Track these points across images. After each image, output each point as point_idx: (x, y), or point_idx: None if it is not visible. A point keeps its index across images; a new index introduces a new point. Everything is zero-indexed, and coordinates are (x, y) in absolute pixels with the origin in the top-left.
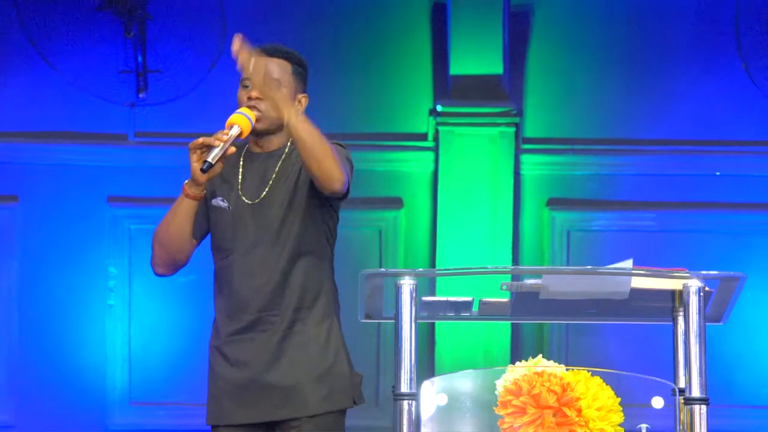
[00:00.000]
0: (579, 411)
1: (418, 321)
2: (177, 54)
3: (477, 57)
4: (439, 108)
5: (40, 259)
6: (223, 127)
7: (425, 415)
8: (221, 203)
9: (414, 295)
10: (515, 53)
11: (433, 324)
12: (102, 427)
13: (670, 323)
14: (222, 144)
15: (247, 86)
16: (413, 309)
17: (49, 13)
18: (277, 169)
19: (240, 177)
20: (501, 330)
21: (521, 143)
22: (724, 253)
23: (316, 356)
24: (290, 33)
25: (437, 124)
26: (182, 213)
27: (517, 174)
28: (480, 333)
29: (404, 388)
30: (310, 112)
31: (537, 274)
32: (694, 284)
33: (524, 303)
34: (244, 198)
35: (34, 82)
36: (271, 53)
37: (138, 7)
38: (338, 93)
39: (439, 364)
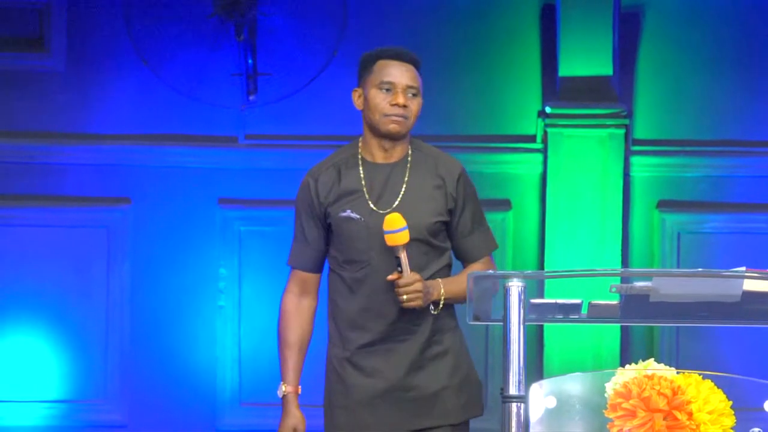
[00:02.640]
0: (690, 414)
1: (526, 323)
2: (289, 54)
3: (586, 58)
4: (547, 109)
5: (151, 261)
6: (330, 129)
7: (534, 417)
8: (352, 215)
9: (522, 297)
10: (625, 54)
11: (541, 326)
12: (212, 428)
13: None
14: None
15: (389, 90)
16: (522, 311)
17: (158, 24)
18: (406, 178)
19: (365, 187)
20: (610, 333)
21: (631, 145)
22: None
23: (455, 364)
24: (403, 34)
25: (546, 125)
26: None
27: (626, 176)
28: (589, 335)
29: (513, 390)
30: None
31: (647, 277)
32: None
33: (634, 305)
34: (376, 208)
35: (144, 86)
36: (409, 60)
37: (250, 8)
38: (447, 94)
39: (548, 366)
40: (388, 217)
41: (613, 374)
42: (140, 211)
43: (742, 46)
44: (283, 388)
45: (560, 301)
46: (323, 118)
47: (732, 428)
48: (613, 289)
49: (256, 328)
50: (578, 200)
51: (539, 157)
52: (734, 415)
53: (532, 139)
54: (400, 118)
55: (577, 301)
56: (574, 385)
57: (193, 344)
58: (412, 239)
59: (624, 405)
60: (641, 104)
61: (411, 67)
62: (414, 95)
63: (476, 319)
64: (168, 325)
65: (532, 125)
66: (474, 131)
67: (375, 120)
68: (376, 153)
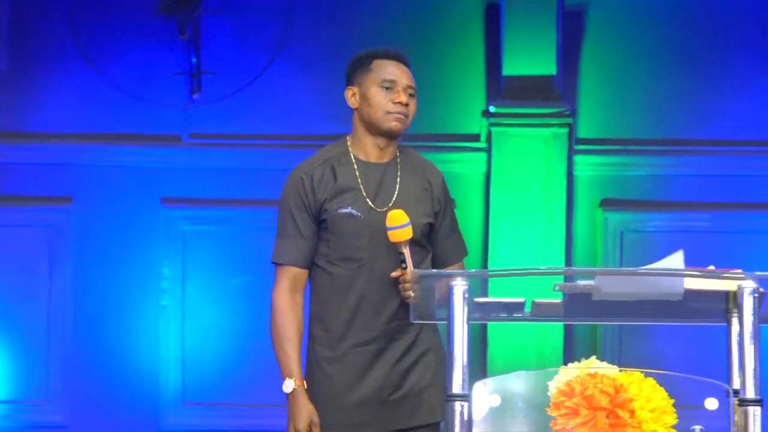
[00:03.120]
0: (632, 412)
1: (470, 322)
2: (233, 52)
3: (530, 57)
4: (492, 109)
5: (94, 260)
6: (270, 127)
7: (477, 416)
8: (354, 212)
9: (466, 296)
10: (569, 54)
11: (485, 325)
12: (155, 428)
13: (724, 324)
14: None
15: (389, 88)
16: (465, 310)
17: (102, 24)
18: (399, 178)
19: (362, 185)
20: (554, 331)
21: (574, 144)
22: None
23: (439, 361)
24: (348, 34)
25: (490, 124)
26: None
27: (570, 175)
28: (532, 334)
29: (456, 389)
30: None
31: (590, 276)
32: (749, 285)
33: (577, 304)
34: (374, 206)
35: (87, 85)
36: (404, 61)
37: (194, 7)
38: None
39: (492, 365)
40: (391, 214)
41: (556, 372)
42: (82, 211)
43: (685, 46)
44: (292, 383)
45: (504, 299)
46: (267, 116)
47: (673, 426)
48: (557, 288)
49: (200, 328)
50: (522, 199)
51: (483, 156)
52: (676, 412)
53: (476, 138)
54: (401, 116)
55: (521, 299)
56: (518, 383)
57: (136, 344)
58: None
59: (567, 403)
60: (584, 103)
61: (407, 68)
62: (411, 95)
63: (420, 318)
64: (111, 325)
65: (476, 124)
66: (418, 130)
67: (376, 117)
68: (370, 152)
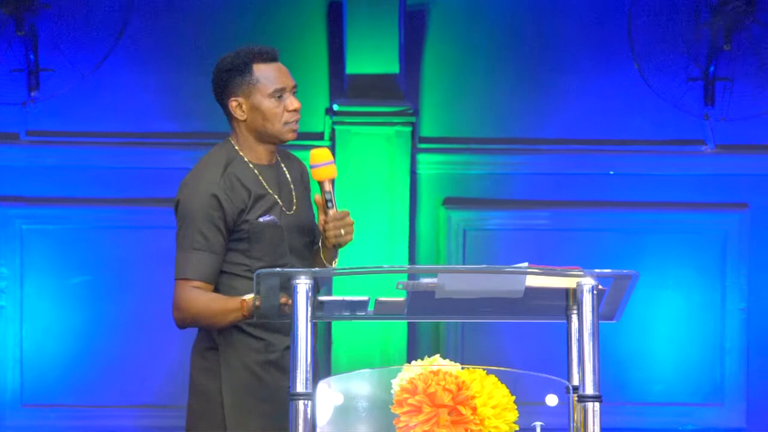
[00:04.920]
0: (474, 409)
1: (314, 321)
2: (70, 48)
3: (373, 56)
4: (335, 107)
5: None
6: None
7: (321, 415)
8: (274, 219)
9: (310, 294)
10: (411, 52)
11: (329, 323)
12: None
13: (565, 321)
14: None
15: (280, 97)
16: (309, 309)
17: None
18: (289, 177)
19: (270, 190)
20: (397, 329)
21: (417, 142)
22: (617, 252)
23: None
24: (187, 32)
25: (333, 123)
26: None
27: (413, 173)
28: (376, 332)
29: (300, 388)
30: (199, 113)
31: (433, 273)
32: (588, 282)
33: (420, 302)
34: (284, 210)
35: None
36: (279, 57)
37: (32, 2)
38: None
39: (336, 363)
40: (315, 152)
41: (399, 370)
42: None
43: (525, 45)
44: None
45: (347, 298)
46: (105, 113)
47: (515, 422)
48: (400, 286)
49: (39, 328)
50: (366, 198)
51: None
52: (517, 409)
53: (319, 136)
54: (297, 123)
55: (364, 298)
56: (362, 381)
57: None
58: (310, 238)
59: (410, 401)
60: (427, 102)
61: (282, 64)
62: (295, 93)
63: (263, 317)
64: None
65: (320, 123)
66: None
67: (274, 130)
68: (263, 156)
